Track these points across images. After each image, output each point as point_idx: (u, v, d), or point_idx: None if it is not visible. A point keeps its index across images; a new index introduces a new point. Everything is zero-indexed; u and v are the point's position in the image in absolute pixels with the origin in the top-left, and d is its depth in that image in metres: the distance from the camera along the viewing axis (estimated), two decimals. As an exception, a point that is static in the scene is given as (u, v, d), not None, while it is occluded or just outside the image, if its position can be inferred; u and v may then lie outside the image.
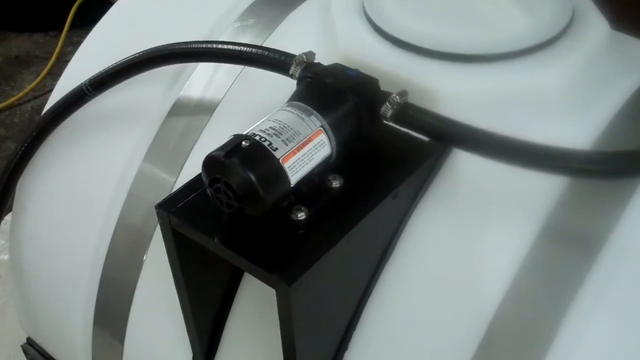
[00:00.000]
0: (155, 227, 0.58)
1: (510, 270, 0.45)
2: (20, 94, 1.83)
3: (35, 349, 0.73)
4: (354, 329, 0.49)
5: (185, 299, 0.50)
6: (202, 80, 0.61)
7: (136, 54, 0.58)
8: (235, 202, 0.41)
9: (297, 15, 0.61)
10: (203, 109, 0.59)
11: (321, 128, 0.44)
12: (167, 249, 0.47)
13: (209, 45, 0.54)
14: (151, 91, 0.61)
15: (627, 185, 0.45)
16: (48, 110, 0.62)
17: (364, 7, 0.55)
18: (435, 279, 0.47)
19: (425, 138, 0.48)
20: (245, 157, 0.41)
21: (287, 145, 0.42)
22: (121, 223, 0.60)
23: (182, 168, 0.58)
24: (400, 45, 0.51)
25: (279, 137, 0.42)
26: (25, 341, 0.75)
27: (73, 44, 2.03)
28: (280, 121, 0.43)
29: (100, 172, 0.62)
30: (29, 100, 1.85)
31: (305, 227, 0.43)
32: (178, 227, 0.45)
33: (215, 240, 0.43)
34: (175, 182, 0.58)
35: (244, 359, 0.53)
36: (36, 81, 1.86)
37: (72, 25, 1.94)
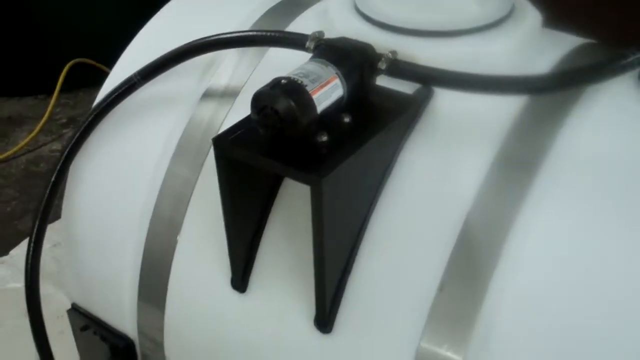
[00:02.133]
0: (192, 192, 0.72)
1: (476, 182, 0.61)
2: (16, 148, 1.97)
3: (81, 313, 0.84)
4: (363, 236, 0.64)
5: (230, 219, 0.64)
6: (227, 71, 0.77)
7: (177, 47, 0.74)
8: (278, 124, 0.56)
9: (301, 18, 0.78)
10: (229, 95, 0.75)
11: (336, 74, 0.60)
12: (219, 175, 0.62)
13: (239, 34, 0.71)
14: (186, 81, 0.77)
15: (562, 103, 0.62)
16: (101, 99, 0.76)
17: (355, 3, 0.72)
18: (422, 190, 0.63)
19: (408, 93, 0.65)
20: (286, 89, 0.56)
21: (313, 84, 0.58)
22: (163, 190, 0.74)
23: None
24: (381, 26, 0.69)
25: (306, 78, 0.58)
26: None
27: (61, 105, 2.19)
28: (306, 69, 0.59)
29: (144, 149, 0.76)
30: (23, 154, 1.99)
31: (327, 146, 0.58)
32: (230, 152, 0.60)
33: (262, 155, 0.59)
34: (205, 158, 0.72)
35: (278, 274, 0.67)
36: (30, 137, 2.00)
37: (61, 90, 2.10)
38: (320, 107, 0.58)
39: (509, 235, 0.59)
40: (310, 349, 0.65)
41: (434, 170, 0.63)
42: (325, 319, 0.64)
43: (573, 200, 0.59)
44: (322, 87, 0.58)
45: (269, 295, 0.68)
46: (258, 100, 0.57)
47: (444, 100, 0.65)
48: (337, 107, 0.60)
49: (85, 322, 0.84)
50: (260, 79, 0.72)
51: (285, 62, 0.71)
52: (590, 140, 0.61)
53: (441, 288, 0.60)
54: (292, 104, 0.56)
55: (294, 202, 0.67)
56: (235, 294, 0.69)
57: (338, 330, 0.64)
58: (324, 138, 0.59)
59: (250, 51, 0.77)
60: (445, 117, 0.65)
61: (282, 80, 0.57)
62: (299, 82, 0.57)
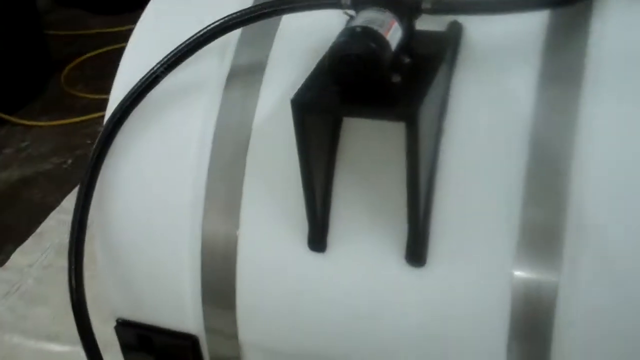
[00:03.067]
0: (244, 171, 0.73)
1: (530, 95, 0.66)
2: None
3: (131, 325, 0.82)
4: (437, 168, 0.67)
5: (309, 179, 0.66)
6: (244, 49, 0.77)
7: (198, 32, 0.74)
8: (362, 69, 0.59)
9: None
10: (255, 72, 0.76)
11: (394, 18, 0.63)
12: (299, 138, 0.63)
13: (266, 6, 0.72)
14: (207, 65, 0.77)
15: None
16: (125, 97, 0.75)
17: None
18: (483, 114, 0.67)
19: (443, 30, 0.69)
20: (364, 35, 0.59)
21: (381, 27, 0.61)
22: (212, 173, 0.74)
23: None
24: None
25: (374, 24, 0.61)
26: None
27: None
28: (368, 17, 0.62)
29: (182, 136, 0.76)
30: None
31: (400, 87, 0.62)
32: (310, 108, 0.62)
33: (348, 105, 0.61)
34: (249, 134, 0.73)
35: (355, 223, 0.69)
36: None
37: None
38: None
39: (576, 136, 0.64)
40: (406, 286, 0.68)
41: (487, 95, 0.68)
42: (419, 252, 0.67)
43: (623, 93, 0.65)
44: (388, 29, 0.61)
45: (352, 247, 0.70)
46: (338, 51, 0.59)
47: (474, 32, 0.70)
48: (399, 49, 0.63)
49: (137, 332, 0.82)
50: (283, 51, 0.75)
51: (302, 30, 0.74)
52: (618, 38, 0.67)
53: (524, 206, 0.64)
54: (374, 46, 0.58)
55: (357, 151, 0.69)
56: (316, 256, 0.70)
57: (431, 261, 0.67)
58: (398, 79, 0.61)
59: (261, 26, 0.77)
60: (480, 46, 0.70)
61: (357, 29, 0.60)
62: (373, 27, 0.60)
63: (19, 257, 1.71)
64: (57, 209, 1.87)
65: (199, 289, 0.76)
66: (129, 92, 0.75)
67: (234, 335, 0.77)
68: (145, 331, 0.82)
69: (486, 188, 0.66)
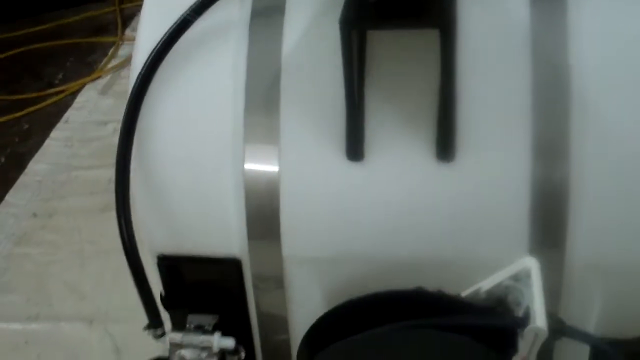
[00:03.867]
0: (279, 92, 0.81)
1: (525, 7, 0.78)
2: None
3: (173, 259, 0.88)
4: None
5: (351, 90, 0.75)
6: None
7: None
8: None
9: None
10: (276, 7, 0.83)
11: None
12: (345, 54, 0.72)
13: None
14: (227, 8, 0.84)
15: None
16: (158, 43, 0.81)
17: None
18: (486, 26, 0.79)
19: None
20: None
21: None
22: (249, 102, 0.81)
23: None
24: None
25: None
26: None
27: None
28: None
29: (215, 71, 0.82)
30: None
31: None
32: (357, 25, 0.71)
33: (387, 18, 0.70)
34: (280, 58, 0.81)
35: (388, 127, 0.79)
36: None
37: None
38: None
39: (569, 36, 0.77)
40: (438, 182, 0.78)
41: (488, 13, 0.79)
42: (448, 150, 0.77)
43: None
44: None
45: (386, 152, 0.79)
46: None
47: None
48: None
49: (179, 265, 0.88)
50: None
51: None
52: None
53: (534, 103, 0.76)
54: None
55: (383, 62, 0.78)
56: (354, 165, 0.80)
57: (459, 157, 0.78)
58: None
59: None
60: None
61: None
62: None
63: (-25, 251, 1.69)
64: (2, 203, 1.86)
65: (243, 212, 0.83)
66: (162, 38, 0.80)
67: (277, 253, 0.85)
68: (188, 262, 0.88)
69: (500, 89, 0.77)
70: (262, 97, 0.81)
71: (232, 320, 0.91)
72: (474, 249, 0.81)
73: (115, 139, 1.99)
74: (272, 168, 0.81)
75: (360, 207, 0.81)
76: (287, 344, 0.95)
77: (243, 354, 0.91)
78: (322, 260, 0.85)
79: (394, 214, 0.80)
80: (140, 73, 0.81)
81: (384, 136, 0.79)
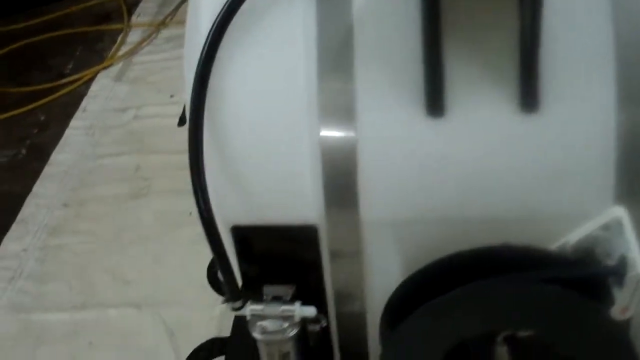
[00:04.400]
0: (353, 51, 0.79)
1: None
2: None
3: (248, 229, 0.86)
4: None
5: (432, 41, 0.73)
6: None
7: None
8: None
9: None
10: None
11: None
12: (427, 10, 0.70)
13: None
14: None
15: None
16: (225, 5, 0.78)
17: None
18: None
19: None
20: None
21: None
22: (321, 61, 0.79)
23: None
24: None
25: None
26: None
27: None
28: None
29: (285, 35, 0.80)
30: None
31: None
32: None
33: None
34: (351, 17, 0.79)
35: (468, 82, 0.77)
36: None
37: None
38: None
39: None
40: (522, 134, 0.77)
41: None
42: (532, 100, 0.76)
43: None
44: None
45: (467, 106, 0.77)
46: None
47: None
48: None
49: (255, 235, 0.87)
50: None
51: None
52: None
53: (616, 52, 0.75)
54: None
55: (460, 15, 0.76)
56: (435, 121, 0.78)
57: (543, 107, 0.76)
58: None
59: None
60: None
61: None
62: None
63: (9, 244, 1.68)
64: (30, 195, 1.84)
65: (319, 178, 0.81)
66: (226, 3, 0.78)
67: (355, 218, 0.83)
68: (262, 232, 0.86)
69: (584, 36, 0.76)
70: (335, 58, 0.79)
71: (307, 289, 0.90)
72: (559, 203, 0.80)
73: (135, 125, 2.01)
74: (348, 131, 0.80)
75: (442, 165, 0.79)
76: (362, 312, 0.94)
77: (324, 322, 0.90)
78: (402, 223, 0.84)
79: (477, 170, 0.79)
80: (207, 38, 0.79)
81: (465, 89, 0.78)
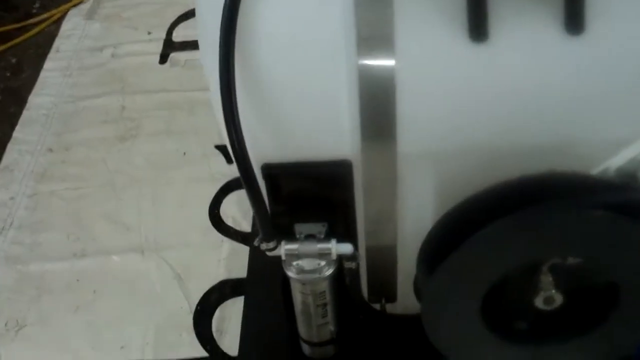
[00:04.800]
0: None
1: None
2: None
3: (280, 167, 0.83)
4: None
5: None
6: None
7: None
8: None
9: None
10: None
11: None
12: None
13: None
14: None
15: None
16: None
17: None
18: None
19: None
20: None
21: None
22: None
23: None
24: None
25: None
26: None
27: None
28: None
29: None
30: None
31: None
32: None
33: None
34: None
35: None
36: None
37: None
38: None
39: None
40: (568, 55, 0.74)
41: None
42: (578, 19, 0.73)
43: None
44: None
45: (511, 29, 0.74)
46: None
47: None
48: None
49: (287, 173, 0.83)
50: None
51: None
52: None
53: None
54: None
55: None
56: (478, 46, 0.74)
57: (589, 28, 0.73)
58: None
59: None
60: None
61: None
62: None
63: (-5, 193, 1.61)
64: (12, 141, 1.76)
65: (356, 110, 0.77)
66: None
67: (392, 151, 0.80)
68: (295, 169, 0.83)
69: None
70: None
71: (338, 227, 0.87)
72: (604, 126, 0.78)
73: (114, 65, 1.93)
74: (387, 59, 0.75)
75: (485, 92, 0.76)
76: (393, 245, 0.92)
77: (360, 259, 0.88)
78: (441, 154, 0.81)
79: (521, 96, 0.76)
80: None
81: (508, 12, 0.74)
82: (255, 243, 0.84)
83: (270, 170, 0.83)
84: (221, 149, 1.60)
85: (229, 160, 1.57)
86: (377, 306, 1.00)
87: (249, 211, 1.39)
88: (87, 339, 1.25)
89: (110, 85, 1.87)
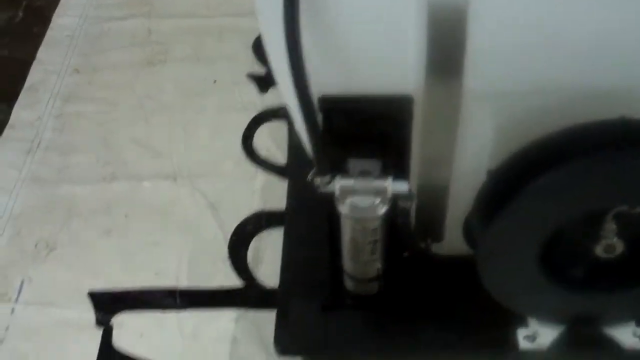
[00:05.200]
0: None
1: None
2: None
3: (339, 100, 0.79)
4: None
5: None
6: None
7: None
8: None
9: None
10: None
11: None
12: None
13: None
14: None
15: None
16: None
17: None
18: None
19: None
20: None
21: None
22: None
23: None
24: None
25: None
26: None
27: None
28: None
29: None
30: None
31: None
32: None
33: None
34: None
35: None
36: None
37: None
38: None
39: None
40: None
41: None
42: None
43: None
44: None
45: None
46: None
47: None
48: None
49: (346, 106, 0.80)
50: None
51: None
52: None
53: None
54: None
55: None
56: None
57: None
58: None
59: None
60: None
61: None
62: None
63: (21, 112, 1.57)
64: (36, 61, 1.71)
65: (423, 43, 0.74)
66: None
67: (458, 88, 0.77)
68: (353, 102, 0.80)
69: None
70: None
71: (392, 165, 0.85)
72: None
73: (141, -17, 1.86)
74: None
75: (563, 29, 0.72)
76: (445, 186, 0.90)
77: (415, 199, 0.86)
78: (508, 95, 0.78)
79: (599, 35, 0.72)
80: None
81: None
82: (309, 177, 0.81)
83: (328, 103, 0.80)
84: (254, 77, 1.56)
85: (261, 90, 1.53)
86: (422, 245, 0.98)
87: (284, 143, 1.39)
88: (120, 264, 1.24)
89: (137, 8, 1.81)
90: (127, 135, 1.48)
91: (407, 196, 0.83)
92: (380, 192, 0.82)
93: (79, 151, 1.46)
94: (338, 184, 0.81)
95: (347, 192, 0.82)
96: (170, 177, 1.37)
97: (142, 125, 1.49)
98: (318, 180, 0.82)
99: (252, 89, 1.55)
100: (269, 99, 1.51)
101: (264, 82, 1.54)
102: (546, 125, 0.76)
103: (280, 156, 1.39)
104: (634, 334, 0.94)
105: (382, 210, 0.82)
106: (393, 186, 0.81)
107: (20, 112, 1.57)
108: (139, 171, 1.39)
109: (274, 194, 1.30)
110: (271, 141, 1.42)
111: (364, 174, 0.83)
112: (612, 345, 0.94)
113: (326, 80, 0.79)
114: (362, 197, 0.82)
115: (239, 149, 1.41)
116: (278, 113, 1.47)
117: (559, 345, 0.93)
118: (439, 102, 0.79)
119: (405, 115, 0.80)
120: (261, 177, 1.36)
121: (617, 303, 0.87)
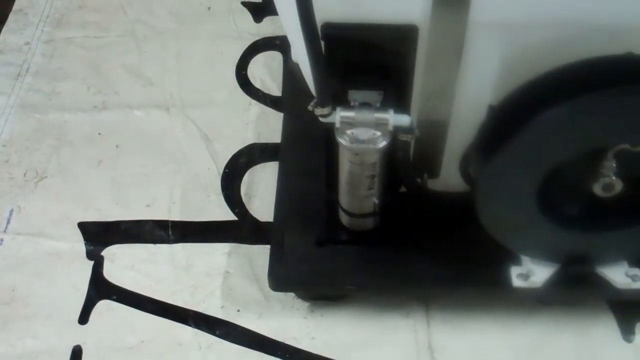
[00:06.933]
0: None
1: None
2: None
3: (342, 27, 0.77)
4: None
5: None
6: None
7: None
8: None
9: None
10: None
11: None
12: None
13: None
14: None
15: None
16: None
17: None
18: None
19: None
20: None
21: None
22: None
23: None
24: None
25: None
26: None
27: None
28: None
29: None
30: None
31: None
32: None
33: None
34: None
35: None
36: None
37: None
38: None
39: None
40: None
41: None
42: None
43: None
44: None
45: None
46: None
47: None
48: None
49: (348, 34, 0.77)
50: None
51: None
52: None
53: None
54: None
55: None
56: None
57: None
58: None
59: None
60: None
61: None
62: None
63: (9, 37, 1.53)
64: (23, -17, 1.65)
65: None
66: None
67: (463, 18, 0.74)
68: (357, 31, 0.77)
69: None
70: None
71: (393, 97, 0.83)
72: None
73: None
74: None
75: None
76: (445, 124, 0.88)
77: (417, 132, 0.84)
78: (513, 27, 0.75)
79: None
80: None
81: None
82: (309, 107, 0.79)
83: (330, 30, 0.77)
84: (248, 5, 1.52)
85: (256, 19, 1.49)
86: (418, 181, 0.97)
87: (279, 74, 1.36)
88: (111, 195, 1.22)
89: None
90: (118, 62, 1.44)
91: (409, 129, 0.82)
92: (381, 125, 0.80)
93: (69, 78, 1.43)
94: (339, 115, 0.79)
95: (347, 123, 0.80)
96: (162, 107, 1.34)
97: (133, 52, 1.46)
98: (318, 111, 0.79)
99: (247, 17, 1.51)
100: (264, 28, 1.47)
101: (260, 10, 1.50)
102: (550, 60, 0.74)
103: (275, 87, 1.36)
104: (626, 274, 0.94)
105: (383, 143, 0.80)
106: (394, 119, 0.80)
107: (7, 37, 1.53)
108: (130, 100, 1.37)
109: (268, 126, 1.28)
110: (266, 72, 1.39)
111: (365, 105, 0.81)
112: (604, 285, 0.94)
113: (330, 7, 0.76)
114: (363, 129, 0.80)
115: (232, 78, 1.38)
116: (274, 42, 1.43)
117: (552, 284, 0.93)
118: (444, 32, 0.76)
119: (410, 45, 0.78)
120: (255, 108, 1.33)
121: (611, 243, 0.86)
